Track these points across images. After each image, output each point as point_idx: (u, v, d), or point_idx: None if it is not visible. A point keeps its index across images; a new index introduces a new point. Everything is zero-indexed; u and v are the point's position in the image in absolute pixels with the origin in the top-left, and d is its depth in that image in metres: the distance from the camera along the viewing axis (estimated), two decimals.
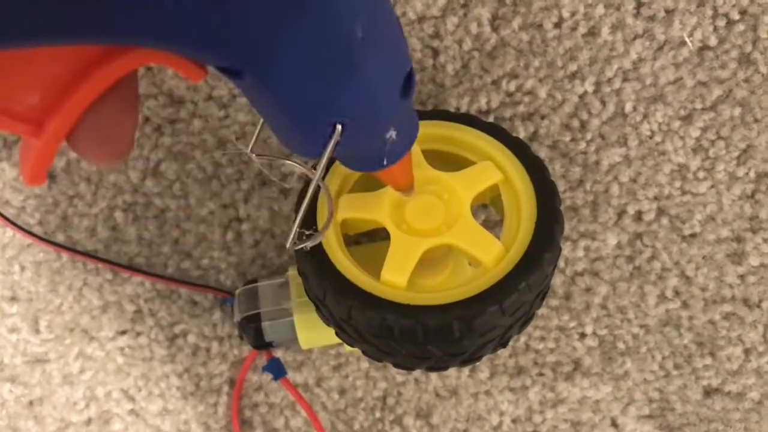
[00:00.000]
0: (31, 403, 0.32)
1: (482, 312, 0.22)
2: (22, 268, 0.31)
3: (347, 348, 0.30)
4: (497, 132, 0.25)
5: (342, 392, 0.31)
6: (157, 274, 0.30)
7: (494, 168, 0.24)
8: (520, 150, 0.25)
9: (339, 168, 0.25)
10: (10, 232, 0.30)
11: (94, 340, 0.31)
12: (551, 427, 0.32)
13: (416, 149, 0.25)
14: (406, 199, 0.24)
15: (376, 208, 0.24)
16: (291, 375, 0.31)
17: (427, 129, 0.25)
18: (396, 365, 0.24)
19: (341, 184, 0.25)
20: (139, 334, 0.31)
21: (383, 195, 0.24)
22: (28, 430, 0.32)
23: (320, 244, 0.23)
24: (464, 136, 0.25)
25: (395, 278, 0.23)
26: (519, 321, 0.23)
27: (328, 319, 0.24)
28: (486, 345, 0.23)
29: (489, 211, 0.30)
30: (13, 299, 0.31)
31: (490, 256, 0.23)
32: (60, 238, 0.30)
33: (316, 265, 0.23)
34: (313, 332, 0.28)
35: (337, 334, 0.24)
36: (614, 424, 0.32)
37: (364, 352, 0.24)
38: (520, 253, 0.23)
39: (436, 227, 0.24)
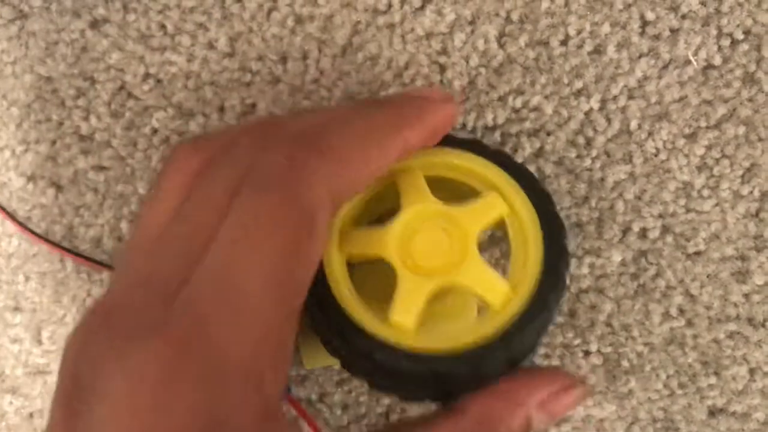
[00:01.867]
0: (31, 415, 0.31)
1: (491, 357, 0.22)
2: (27, 278, 0.31)
3: None
4: (504, 160, 0.25)
5: (345, 408, 0.31)
6: None
7: (500, 200, 0.24)
8: (527, 181, 0.25)
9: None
10: (15, 241, 0.30)
11: None
12: None
13: (420, 179, 0.25)
14: (412, 232, 0.24)
15: (382, 244, 0.24)
16: (293, 390, 0.31)
17: (432, 156, 0.25)
18: (401, 399, 0.24)
19: (345, 219, 0.25)
20: None
21: (389, 230, 0.24)
22: None
23: (326, 283, 0.23)
24: (470, 164, 0.25)
25: (404, 320, 0.23)
26: (526, 355, 0.24)
27: (334, 354, 0.24)
28: (492, 379, 0.23)
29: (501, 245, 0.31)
30: (17, 309, 0.31)
31: (498, 297, 0.23)
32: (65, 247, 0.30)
33: (323, 305, 0.23)
34: (317, 353, 0.27)
35: (342, 365, 0.24)
36: None
37: (368, 384, 0.24)
38: (527, 295, 0.23)
39: (442, 264, 0.24)
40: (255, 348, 0.19)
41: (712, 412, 0.31)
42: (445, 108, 0.24)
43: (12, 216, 0.30)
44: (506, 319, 0.23)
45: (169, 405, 0.17)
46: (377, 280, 0.24)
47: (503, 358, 0.23)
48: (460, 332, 0.23)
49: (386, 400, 0.31)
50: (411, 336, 0.23)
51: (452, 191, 0.26)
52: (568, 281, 0.28)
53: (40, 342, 0.31)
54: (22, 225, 0.30)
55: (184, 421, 0.17)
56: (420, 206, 0.24)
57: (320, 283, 0.23)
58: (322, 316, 0.23)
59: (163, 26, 0.30)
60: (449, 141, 0.25)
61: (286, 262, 0.19)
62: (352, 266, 0.24)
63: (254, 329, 0.19)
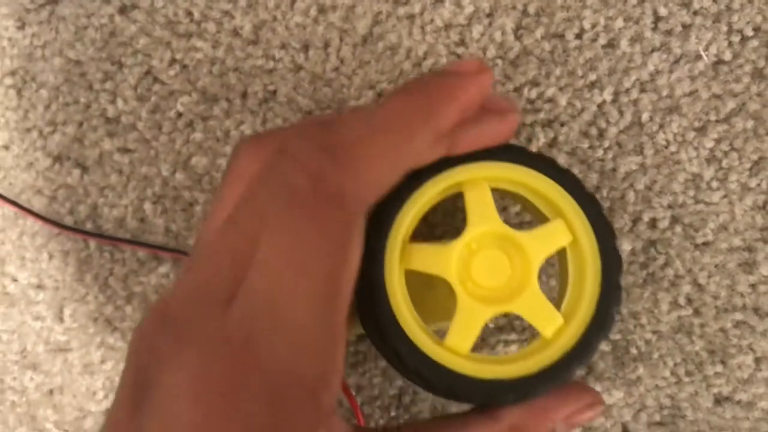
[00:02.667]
0: (51, 391, 0.32)
1: (538, 387, 0.24)
2: (51, 257, 0.31)
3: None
4: (573, 185, 0.25)
5: (359, 390, 0.32)
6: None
7: (565, 229, 0.25)
8: (593, 210, 0.25)
9: (407, 213, 0.24)
10: (40, 222, 0.31)
11: (117, 330, 0.32)
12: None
13: (488, 196, 0.25)
14: (474, 252, 0.24)
15: (443, 263, 0.24)
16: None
17: (502, 171, 0.25)
18: (443, 397, 0.25)
19: (406, 231, 0.25)
20: None
21: (451, 250, 0.24)
22: (47, 418, 0.32)
23: (386, 296, 0.24)
24: (540, 186, 0.25)
25: (460, 344, 0.24)
26: (566, 381, 0.25)
27: (388, 361, 0.25)
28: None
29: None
30: (40, 287, 0.31)
31: (551, 330, 0.24)
32: (89, 227, 0.31)
33: (380, 320, 0.24)
34: (355, 323, 0.28)
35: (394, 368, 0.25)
36: (626, 430, 0.32)
37: (415, 384, 0.25)
38: (578, 333, 0.24)
39: (501, 289, 0.24)
40: (306, 364, 0.20)
41: (718, 400, 0.32)
42: (479, 80, 0.24)
43: (19, 205, 0.31)
44: (556, 353, 0.24)
45: (227, 414, 0.19)
46: (431, 288, 0.25)
47: (548, 387, 0.24)
48: (511, 361, 0.24)
49: (399, 382, 0.32)
50: (464, 359, 0.23)
51: (514, 198, 0.26)
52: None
53: (62, 320, 0.32)
54: (25, 209, 0.31)
55: (246, 428, 0.19)
56: (485, 228, 0.24)
57: (379, 297, 0.23)
58: (378, 330, 0.24)
59: (189, 13, 0.31)
60: (521, 155, 0.25)
61: (324, 280, 0.20)
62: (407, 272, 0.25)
63: (303, 347, 0.20)
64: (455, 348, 0.24)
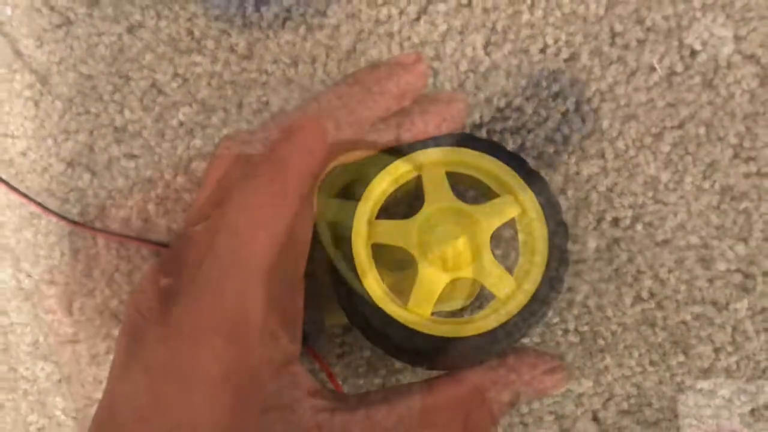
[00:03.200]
0: (60, 380, 0.34)
1: (495, 344, 0.26)
2: (62, 254, 0.34)
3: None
4: (520, 165, 0.28)
5: (344, 380, 0.34)
6: None
7: (514, 203, 0.27)
8: (539, 186, 0.28)
9: (371, 194, 0.27)
10: (54, 219, 0.34)
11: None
12: (536, 418, 0.34)
13: (443, 176, 0.27)
14: (432, 226, 0.27)
15: (405, 236, 0.27)
16: (313, 342, 0.34)
17: (456, 155, 0.28)
18: (410, 365, 0.27)
19: (372, 211, 0.27)
20: None
21: (412, 224, 0.27)
22: (56, 406, 0.34)
23: (355, 269, 0.26)
24: (490, 166, 0.28)
25: (421, 308, 0.26)
26: (520, 340, 0.27)
27: (357, 328, 0.27)
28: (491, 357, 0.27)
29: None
30: (52, 282, 0.34)
31: (504, 291, 0.27)
32: (97, 227, 0.34)
33: (350, 289, 0.26)
34: (338, 311, 0.30)
35: (363, 335, 0.27)
36: (595, 418, 0.34)
37: (383, 349, 0.27)
38: (529, 293, 0.26)
39: (457, 256, 0.27)
40: (266, 311, 0.23)
41: (681, 389, 0.34)
42: (413, 68, 0.27)
43: (34, 199, 0.34)
44: (509, 312, 0.26)
45: (193, 349, 0.22)
46: (406, 276, 0.27)
47: (503, 345, 0.26)
48: (470, 321, 0.26)
49: (383, 371, 0.34)
50: (426, 321, 0.26)
51: (469, 184, 0.29)
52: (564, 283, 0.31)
53: (71, 313, 0.34)
54: (39, 204, 0.34)
55: (212, 362, 0.22)
56: (441, 204, 0.27)
57: (349, 268, 0.26)
58: (348, 298, 0.26)
59: (190, 32, 0.34)
60: (473, 141, 0.28)
61: (271, 230, 0.24)
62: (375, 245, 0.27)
63: (263, 296, 0.23)
64: (417, 310, 0.26)
